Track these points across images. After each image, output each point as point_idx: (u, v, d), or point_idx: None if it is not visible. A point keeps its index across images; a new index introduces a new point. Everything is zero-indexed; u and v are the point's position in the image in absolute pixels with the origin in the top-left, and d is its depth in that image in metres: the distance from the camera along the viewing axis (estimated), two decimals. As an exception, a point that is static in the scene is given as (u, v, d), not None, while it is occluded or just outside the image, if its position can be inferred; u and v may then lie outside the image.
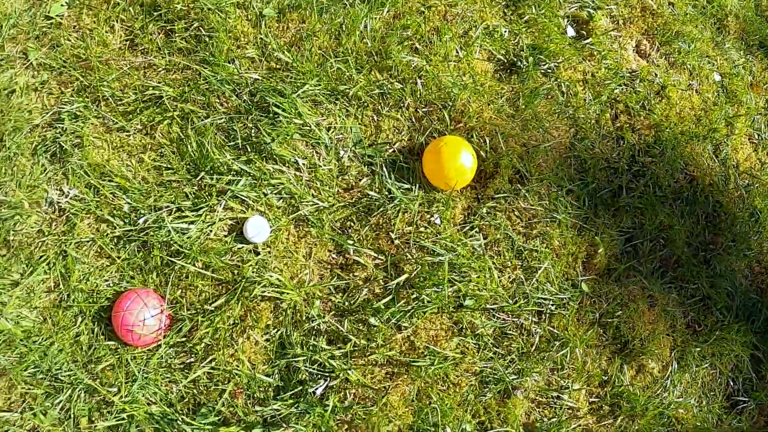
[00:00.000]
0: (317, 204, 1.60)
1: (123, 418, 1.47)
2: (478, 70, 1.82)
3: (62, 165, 1.62)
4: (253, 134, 1.62)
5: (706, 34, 2.20)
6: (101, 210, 1.58)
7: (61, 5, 1.82)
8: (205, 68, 1.67)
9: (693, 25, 2.19)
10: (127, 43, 1.75)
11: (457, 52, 1.82)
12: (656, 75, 2.03)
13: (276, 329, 1.55)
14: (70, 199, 1.60)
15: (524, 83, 1.84)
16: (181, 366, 1.52)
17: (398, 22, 1.81)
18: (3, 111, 1.68)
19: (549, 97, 1.85)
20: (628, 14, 2.09)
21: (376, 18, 1.79)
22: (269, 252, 1.58)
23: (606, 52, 1.98)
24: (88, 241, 1.58)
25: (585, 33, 2.01)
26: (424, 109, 1.73)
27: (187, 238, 1.55)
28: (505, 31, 1.90)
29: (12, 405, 1.48)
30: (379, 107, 1.71)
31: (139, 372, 1.49)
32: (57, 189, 1.61)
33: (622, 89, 1.96)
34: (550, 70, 1.88)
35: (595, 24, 2.02)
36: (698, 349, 1.80)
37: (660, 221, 1.85)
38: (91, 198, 1.60)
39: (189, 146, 1.60)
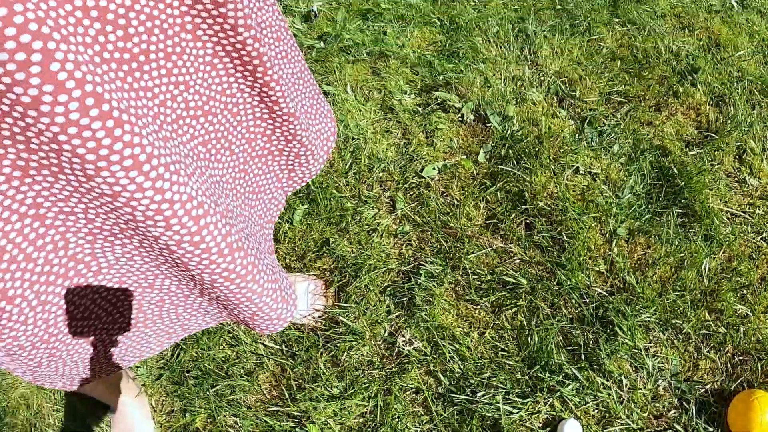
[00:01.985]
0: (629, 424, 1.75)
1: None
2: (797, 329, 1.92)
3: (408, 313, 1.86)
4: (590, 345, 1.80)
5: None
6: (435, 366, 1.80)
7: (433, 169, 2.09)
8: (559, 271, 1.87)
9: None
10: (490, 223, 1.98)
11: (780, 307, 1.93)
12: None
13: None
14: (411, 348, 1.83)
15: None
16: None
17: (732, 265, 1.94)
18: (362, 244, 1.95)
19: None
20: None
21: (714, 258, 1.94)
22: (575, 455, 1.74)
23: None
24: (412, 388, 1.80)
25: None
26: (740, 357, 1.85)
27: (508, 419, 1.74)
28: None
29: None
30: (701, 346, 1.84)
31: None
32: (400, 334, 1.85)
33: None
34: None
35: None
36: None
37: None
38: (428, 352, 1.82)
39: (530, 338, 1.80)
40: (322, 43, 2.66)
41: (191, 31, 0.98)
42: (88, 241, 0.97)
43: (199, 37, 1.00)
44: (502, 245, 1.94)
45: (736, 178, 2.23)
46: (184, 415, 1.74)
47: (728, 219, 2.09)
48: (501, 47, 2.60)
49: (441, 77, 2.46)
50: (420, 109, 2.37)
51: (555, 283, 1.87)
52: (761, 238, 2.04)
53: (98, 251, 0.99)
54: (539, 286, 1.87)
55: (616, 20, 2.80)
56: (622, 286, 1.89)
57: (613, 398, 1.74)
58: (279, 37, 1.26)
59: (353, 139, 2.25)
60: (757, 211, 2.11)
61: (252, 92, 1.18)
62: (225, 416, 1.75)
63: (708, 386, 1.80)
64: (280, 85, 1.21)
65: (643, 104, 2.42)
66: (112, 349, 1.24)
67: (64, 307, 1.06)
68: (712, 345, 1.85)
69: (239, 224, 1.12)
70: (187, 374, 1.78)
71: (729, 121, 2.37)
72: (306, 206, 2.02)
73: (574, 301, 1.85)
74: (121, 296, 1.13)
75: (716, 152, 2.27)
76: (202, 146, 1.09)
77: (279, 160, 1.41)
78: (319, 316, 1.85)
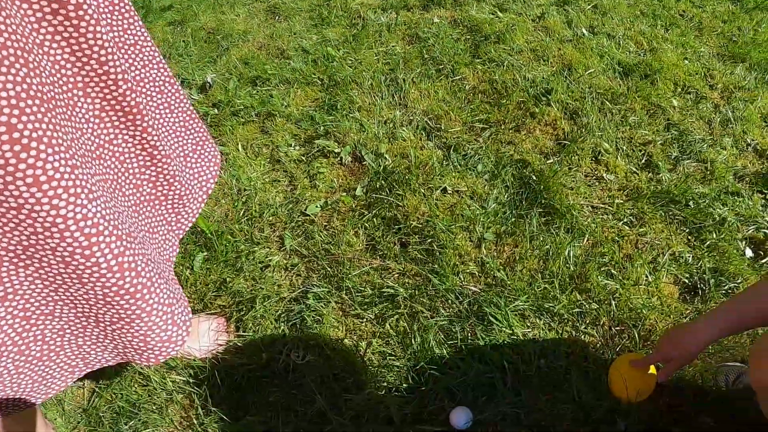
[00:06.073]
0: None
1: None
2: (665, 293, 2.06)
3: (300, 334, 1.97)
4: (469, 336, 1.93)
5: None
6: (326, 372, 1.89)
7: (316, 207, 2.26)
8: (433, 277, 2.02)
9: None
10: (369, 246, 2.13)
11: (647, 277, 2.08)
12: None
13: None
14: (305, 361, 1.93)
15: (706, 303, 2.05)
16: None
17: (596, 250, 2.11)
18: (256, 279, 2.09)
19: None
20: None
21: (577, 246, 2.10)
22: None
23: (779, 271, 2.17)
24: (309, 400, 1.87)
25: (762, 252, 2.21)
26: (616, 328, 1.99)
27: (400, 413, 1.83)
28: (689, 257, 2.15)
29: None
30: (577, 324, 1.98)
31: None
32: (295, 352, 1.95)
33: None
34: (729, 290, 2.09)
35: (770, 243, 2.22)
36: None
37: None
38: (320, 363, 1.91)
39: (413, 340, 1.92)
40: (216, 110, 2.88)
41: (82, 88, 1.19)
42: None
43: (89, 93, 1.21)
44: (381, 263, 2.09)
45: (594, 177, 2.43)
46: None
47: (590, 212, 2.27)
48: (374, 96, 2.83)
49: (322, 128, 2.67)
50: (304, 158, 2.56)
51: (431, 288, 2.01)
52: (623, 223, 2.22)
53: (4, 275, 1.13)
54: (417, 293, 2.01)
55: (477, 60, 3.07)
56: (493, 282, 2.04)
57: (500, 383, 1.85)
58: (161, 91, 1.49)
59: (245, 190, 2.42)
60: (617, 200, 2.30)
61: (134, 141, 1.37)
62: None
63: (590, 359, 1.92)
64: (156, 130, 1.41)
65: (503, 127, 2.65)
66: (18, 381, 1.34)
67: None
68: (587, 321, 1.98)
69: (141, 250, 1.27)
70: (102, 416, 1.86)
71: (583, 130, 2.60)
72: (205, 253, 2.17)
73: (449, 301, 1.99)
74: (26, 324, 1.25)
75: (573, 157, 2.48)
76: (103, 183, 1.26)
77: (165, 205, 1.58)
78: (223, 350, 1.95)
